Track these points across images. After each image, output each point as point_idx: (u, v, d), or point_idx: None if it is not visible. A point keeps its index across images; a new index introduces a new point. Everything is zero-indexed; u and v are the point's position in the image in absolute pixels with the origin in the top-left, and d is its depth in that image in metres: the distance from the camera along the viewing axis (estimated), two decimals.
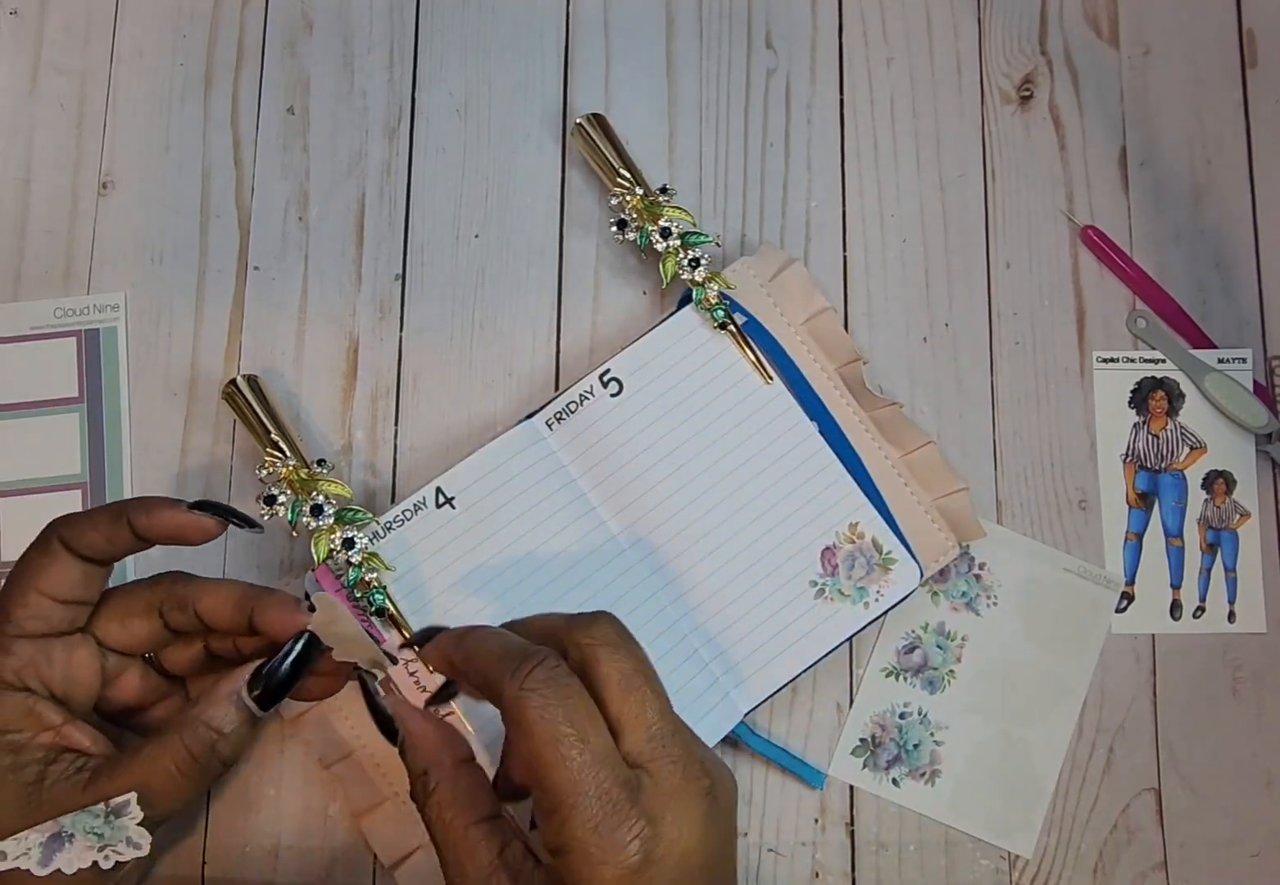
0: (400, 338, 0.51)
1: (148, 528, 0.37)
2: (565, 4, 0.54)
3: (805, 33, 0.54)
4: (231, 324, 0.51)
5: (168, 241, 0.52)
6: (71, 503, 0.49)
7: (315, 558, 0.45)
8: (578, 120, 0.51)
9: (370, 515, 0.46)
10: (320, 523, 0.45)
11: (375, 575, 0.45)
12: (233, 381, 0.48)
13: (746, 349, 0.48)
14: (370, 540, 0.46)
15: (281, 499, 0.46)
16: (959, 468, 0.50)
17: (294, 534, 0.46)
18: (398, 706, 0.35)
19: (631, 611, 0.46)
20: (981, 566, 0.49)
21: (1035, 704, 0.48)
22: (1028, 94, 0.53)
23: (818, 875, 0.47)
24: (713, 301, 0.48)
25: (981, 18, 0.54)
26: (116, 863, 0.34)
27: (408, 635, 0.43)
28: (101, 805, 0.33)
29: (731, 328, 0.48)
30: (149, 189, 0.52)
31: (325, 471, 0.46)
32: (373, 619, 0.44)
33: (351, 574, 0.45)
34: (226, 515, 0.39)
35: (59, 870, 0.33)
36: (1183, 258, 0.52)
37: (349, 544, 0.45)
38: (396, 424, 0.50)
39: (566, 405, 0.47)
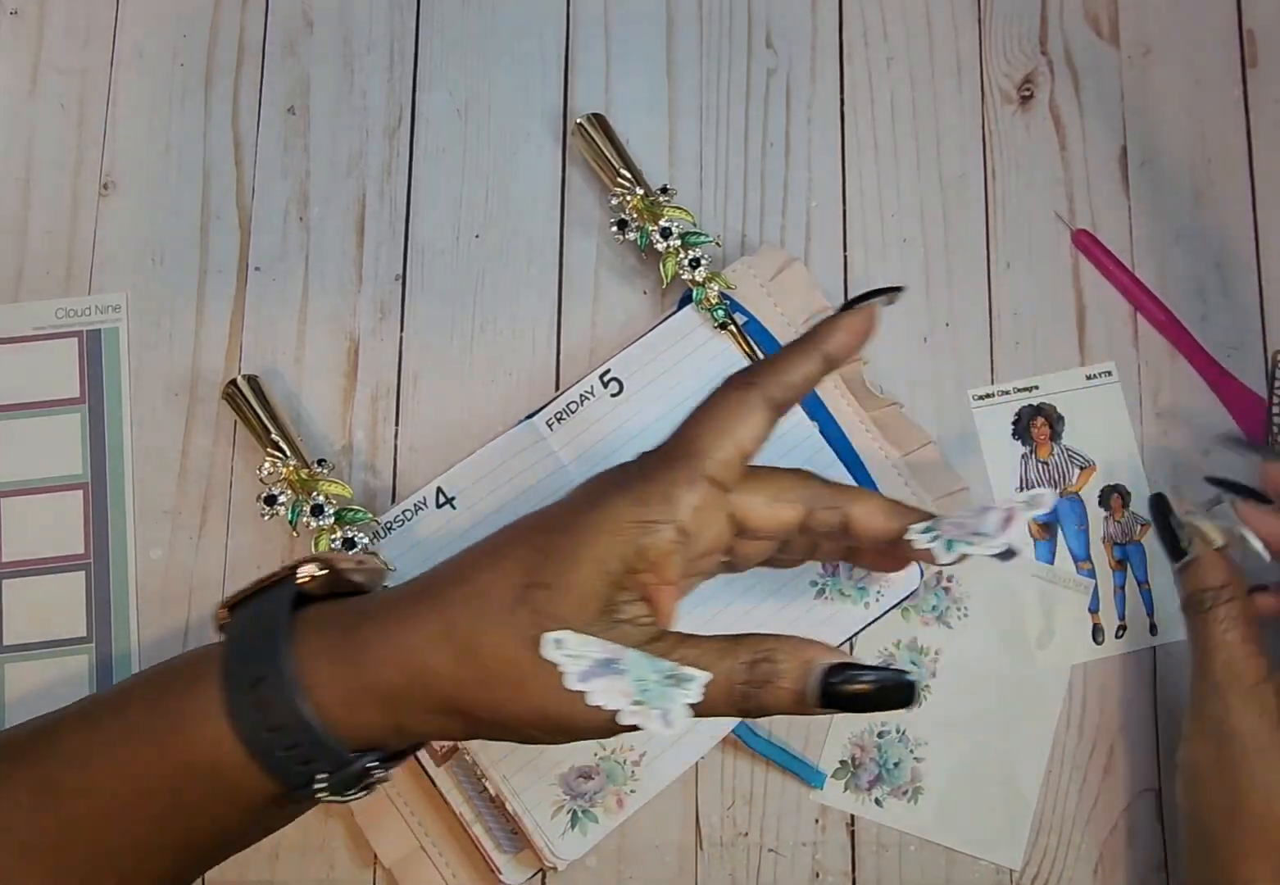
0: (400, 338, 0.51)
1: (843, 346, 0.36)
2: (565, 4, 0.54)
3: (805, 33, 0.54)
4: (232, 324, 0.51)
5: (168, 242, 0.52)
6: (72, 503, 0.49)
7: None
8: (578, 120, 0.51)
9: (370, 515, 0.46)
10: (320, 523, 0.45)
11: None
12: (233, 382, 0.48)
13: (747, 349, 0.48)
14: (371, 540, 0.46)
15: (281, 499, 0.46)
16: (959, 468, 0.50)
17: (294, 534, 0.46)
18: (1193, 523, 0.43)
19: None
20: (950, 579, 0.49)
21: (1013, 714, 0.48)
22: (1028, 94, 0.53)
23: (818, 875, 0.47)
24: (713, 301, 0.48)
25: (981, 18, 0.54)
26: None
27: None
28: (670, 664, 0.31)
29: (732, 328, 0.48)
30: (149, 189, 0.52)
31: (325, 471, 0.46)
32: None
33: None
34: (877, 294, 0.37)
35: (582, 694, 0.30)
36: (1183, 258, 0.52)
37: (349, 544, 0.45)
38: (396, 424, 0.50)
39: (567, 405, 0.47)
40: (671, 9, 0.54)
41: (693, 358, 0.48)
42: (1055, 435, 0.50)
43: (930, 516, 0.36)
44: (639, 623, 0.33)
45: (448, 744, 0.44)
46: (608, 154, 0.50)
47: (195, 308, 0.51)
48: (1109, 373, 0.51)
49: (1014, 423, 0.50)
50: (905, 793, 0.47)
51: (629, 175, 0.49)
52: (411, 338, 0.51)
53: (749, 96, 0.53)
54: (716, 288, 0.48)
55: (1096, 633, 0.49)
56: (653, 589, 0.33)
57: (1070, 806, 0.47)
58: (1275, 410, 0.50)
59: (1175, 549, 0.44)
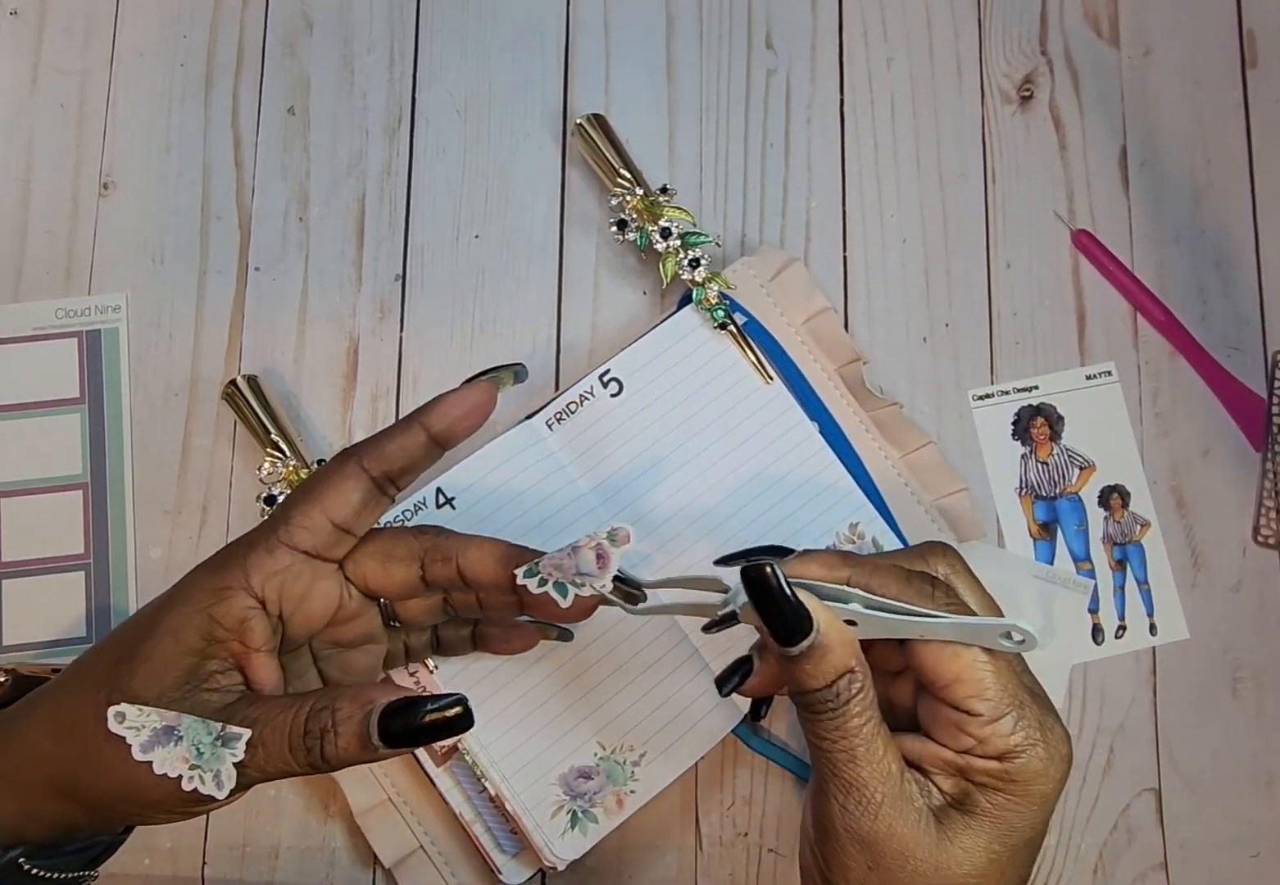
0: (400, 338, 0.51)
1: (445, 418, 0.36)
2: (565, 4, 0.54)
3: (805, 33, 0.54)
4: (232, 325, 0.51)
5: (168, 242, 0.52)
6: (72, 503, 0.49)
7: None
8: (578, 120, 0.51)
9: None
10: None
11: None
12: (233, 382, 0.48)
13: (746, 349, 0.48)
14: None
15: (281, 499, 0.46)
16: (959, 468, 0.50)
17: None
18: (810, 601, 0.31)
19: None
20: None
21: None
22: (1028, 94, 0.53)
23: None
24: (713, 301, 0.48)
25: (981, 18, 0.54)
26: (195, 798, 0.32)
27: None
28: (219, 725, 0.32)
29: (731, 328, 0.48)
30: (149, 189, 0.52)
31: None
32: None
33: None
34: (490, 372, 0.37)
35: (149, 764, 0.32)
36: (1183, 258, 0.52)
37: None
38: None
39: (566, 405, 0.47)
40: (671, 9, 0.54)
41: (692, 358, 0.48)
42: (1055, 435, 0.50)
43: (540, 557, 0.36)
44: (226, 690, 0.34)
45: (448, 744, 0.44)
46: (607, 154, 0.50)
47: (195, 308, 0.51)
48: (1109, 373, 0.51)
49: (1014, 423, 0.50)
50: None
51: (629, 175, 0.49)
52: (411, 338, 0.51)
53: (749, 96, 0.53)
54: (716, 288, 0.48)
55: (1096, 633, 0.49)
56: (243, 657, 0.34)
57: (1070, 806, 0.47)
58: (1275, 410, 0.50)
59: (792, 629, 0.31)
